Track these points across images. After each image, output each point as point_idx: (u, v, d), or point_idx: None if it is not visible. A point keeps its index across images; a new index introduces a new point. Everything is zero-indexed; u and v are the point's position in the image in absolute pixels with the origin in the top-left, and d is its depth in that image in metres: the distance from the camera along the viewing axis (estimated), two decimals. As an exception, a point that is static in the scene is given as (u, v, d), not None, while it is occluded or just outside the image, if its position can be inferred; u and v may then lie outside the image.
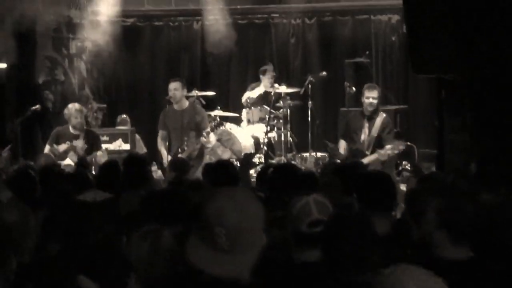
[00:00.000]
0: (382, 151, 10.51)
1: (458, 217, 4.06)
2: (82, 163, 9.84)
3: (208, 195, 3.26)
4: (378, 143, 10.85)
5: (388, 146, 10.57)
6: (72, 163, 10.38)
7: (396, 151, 10.55)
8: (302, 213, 4.16)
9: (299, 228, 4.15)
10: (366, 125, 10.94)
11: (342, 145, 11.25)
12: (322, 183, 6.55)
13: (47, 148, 10.79)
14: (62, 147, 10.60)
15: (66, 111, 10.84)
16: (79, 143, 10.59)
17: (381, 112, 11.13)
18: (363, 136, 10.96)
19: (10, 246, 3.39)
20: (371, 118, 10.94)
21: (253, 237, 3.09)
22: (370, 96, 10.98)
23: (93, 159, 10.39)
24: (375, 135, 10.85)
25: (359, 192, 5.25)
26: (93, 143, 10.74)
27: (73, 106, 10.80)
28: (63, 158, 10.53)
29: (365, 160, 10.45)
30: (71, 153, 10.53)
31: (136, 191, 6.85)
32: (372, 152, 10.75)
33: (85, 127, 10.89)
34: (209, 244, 3.05)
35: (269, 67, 13.79)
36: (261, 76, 13.74)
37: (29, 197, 5.96)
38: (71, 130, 10.70)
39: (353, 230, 3.85)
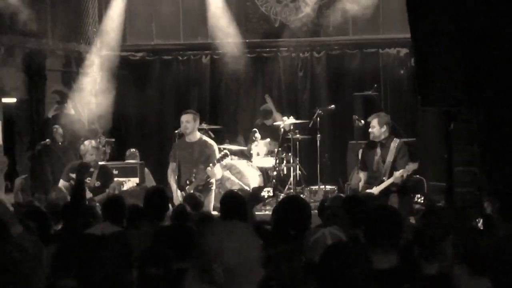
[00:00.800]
0: (397, 174, 10.48)
1: (476, 250, 4.06)
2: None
3: (208, 229, 3.25)
4: (394, 169, 10.80)
5: (400, 172, 10.55)
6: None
7: (409, 172, 10.53)
8: (317, 245, 4.16)
9: (313, 260, 4.14)
10: (379, 152, 10.90)
11: (362, 177, 11.18)
12: (327, 216, 6.55)
13: (61, 183, 10.78)
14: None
15: (82, 147, 10.82)
16: (91, 182, 10.59)
17: (395, 138, 11.09)
18: (377, 164, 10.91)
19: (21, 279, 3.39)
20: (383, 145, 10.90)
21: (250, 274, 3.08)
22: (370, 125, 11.01)
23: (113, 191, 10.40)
24: (391, 160, 10.80)
25: (366, 225, 5.23)
26: (106, 179, 10.73)
27: (89, 143, 10.78)
28: None
29: (382, 186, 10.46)
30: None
31: (156, 223, 6.87)
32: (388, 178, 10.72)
33: (99, 163, 10.89)
34: (207, 279, 3.04)
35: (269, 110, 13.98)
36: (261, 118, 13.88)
37: (40, 231, 5.96)
38: (86, 166, 10.72)
39: (348, 262, 3.82)
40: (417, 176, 13.02)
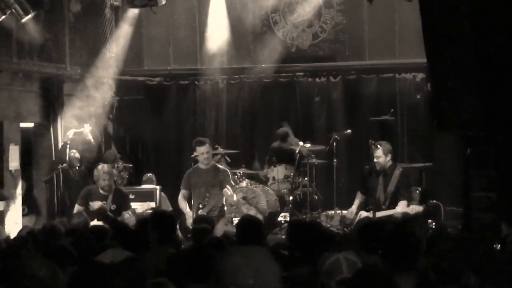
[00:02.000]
0: (398, 210, 10.52)
1: (498, 277, 4.04)
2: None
3: (224, 253, 3.26)
4: (394, 198, 10.82)
5: (402, 202, 10.59)
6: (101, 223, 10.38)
7: (411, 213, 10.54)
8: (332, 270, 4.16)
9: (328, 285, 4.13)
10: (382, 180, 10.93)
11: (358, 200, 11.23)
12: (339, 241, 6.54)
13: (76, 208, 10.81)
14: (97, 203, 10.59)
15: (95, 172, 10.88)
16: (107, 206, 10.61)
17: (398, 166, 11.11)
18: (379, 192, 10.94)
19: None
20: (386, 173, 10.93)
21: None
22: (375, 156, 11.02)
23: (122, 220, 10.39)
24: (392, 189, 10.84)
25: (384, 249, 5.22)
26: (121, 203, 10.75)
27: (102, 168, 10.82)
28: (92, 219, 10.57)
29: (381, 213, 10.50)
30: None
31: (164, 248, 6.85)
32: (389, 207, 10.73)
33: (113, 187, 10.90)
34: None
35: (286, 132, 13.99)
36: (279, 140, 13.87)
37: (57, 256, 5.95)
38: (100, 190, 10.75)
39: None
40: (434, 201, 12.97)
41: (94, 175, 10.88)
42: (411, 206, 10.62)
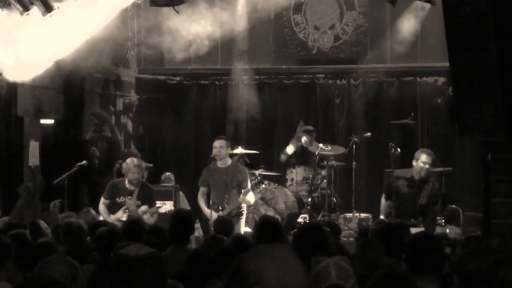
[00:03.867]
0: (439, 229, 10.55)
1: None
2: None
3: (249, 252, 3.25)
4: (424, 211, 10.78)
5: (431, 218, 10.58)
6: (124, 218, 10.36)
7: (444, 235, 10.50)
8: (321, 276, 4.13)
9: None
10: (415, 190, 10.86)
11: (386, 206, 11.17)
12: (361, 244, 6.52)
13: (102, 201, 10.77)
14: (118, 215, 10.57)
15: (124, 165, 10.82)
16: (131, 205, 10.57)
17: (432, 178, 11.05)
18: (409, 201, 10.88)
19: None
20: (421, 184, 10.86)
21: None
22: (427, 162, 10.92)
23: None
24: (424, 203, 10.78)
25: (407, 253, 5.21)
26: (147, 199, 10.71)
27: (131, 161, 10.76)
28: (114, 212, 10.55)
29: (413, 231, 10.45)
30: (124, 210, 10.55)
31: (181, 247, 6.86)
32: (421, 220, 10.68)
33: (141, 182, 10.85)
34: None
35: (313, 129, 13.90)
36: (305, 135, 13.78)
37: (77, 252, 5.98)
38: (127, 184, 10.70)
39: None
40: (453, 206, 12.92)
41: (123, 168, 10.81)
42: (450, 229, 10.56)
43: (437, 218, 10.81)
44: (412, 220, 10.71)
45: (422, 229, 10.31)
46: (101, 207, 10.71)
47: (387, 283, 3.91)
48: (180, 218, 7.42)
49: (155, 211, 10.72)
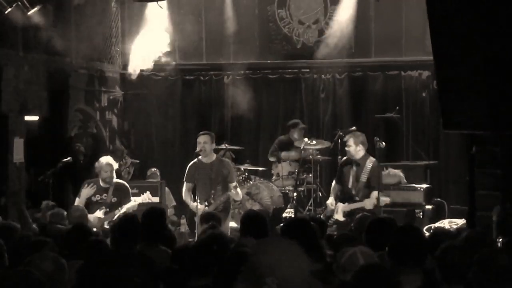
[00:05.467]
0: (367, 202, 10.82)
1: (501, 275, 4.04)
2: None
3: (258, 244, 3.27)
4: (366, 189, 10.96)
5: (373, 193, 10.77)
6: (102, 216, 10.43)
7: (381, 204, 10.78)
8: (350, 264, 4.15)
9: (346, 278, 4.13)
10: (354, 170, 11.09)
11: (335, 188, 11.40)
12: (343, 238, 6.56)
13: (76, 201, 10.82)
14: (97, 214, 10.57)
15: (97, 164, 10.89)
16: (107, 198, 10.61)
17: (370, 157, 11.23)
18: (351, 181, 11.10)
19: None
20: (358, 164, 11.08)
21: None
22: (347, 144, 11.27)
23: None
24: (364, 180, 10.97)
25: (390, 246, 5.24)
26: (122, 196, 10.76)
27: (104, 160, 10.85)
28: (93, 211, 10.57)
29: (354, 206, 10.82)
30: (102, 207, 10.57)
31: (153, 244, 6.81)
32: (362, 198, 10.89)
33: (114, 180, 10.89)
34: None
35: (300, 123, 13.89)
36: (291, 130, 13.79)
37: (63, 248, 5.96)
38: (101, 183, 10.76)
39: (380, 285, 3.82)
40: (438, 199, 12.98)
41: (96, 167, 10.89)
42: (382, 198, 10.80)
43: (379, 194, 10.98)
44: (357, 198, 10.89)
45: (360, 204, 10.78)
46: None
47: (370, 276, 3.92)
48: (151, 215, 7.36)
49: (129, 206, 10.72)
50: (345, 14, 15.05)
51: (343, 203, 11.03)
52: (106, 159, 10.88)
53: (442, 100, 9.06)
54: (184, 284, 5.03)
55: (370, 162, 11.13)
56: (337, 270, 4.20)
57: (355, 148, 11.12)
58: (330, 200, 11.37)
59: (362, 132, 14.31)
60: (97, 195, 10.67)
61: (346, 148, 11.27)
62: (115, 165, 11.12)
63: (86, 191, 10.71)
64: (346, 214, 10.91)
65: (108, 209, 10.50)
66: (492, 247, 6.02)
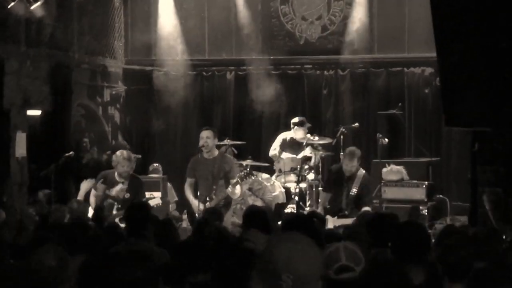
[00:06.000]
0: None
1: (502, 271, 4.04)
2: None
3: (272, 240, 3.27)
4: (356, 203, 10.93)
5: (365, 209, 10.67)
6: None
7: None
8: (331, 259, 4.14)
9: (328, 274, 4.12)
10: (345, 184, 11.09)
11: (323, 198, 11.38)
12: (348, 234, 6.55)
13: (92, 191, 10.68)
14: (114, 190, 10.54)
15: (114, 157, 10.70)
16: (121, 194, 10.52)
17: (361, 169, 11.22)
18: (342, 195, 11.07)
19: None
20: (350, 177, 11.09)
21: (315, 283, 3.12)
22: (349, 165, 11.16)
23: None
24: (353, 194, 10.95)
25: (394, 242, 5.23)
26: (137, 191, 10.64)
27: (121, 154, 10.64)
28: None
29: (341, 221, 10.54)
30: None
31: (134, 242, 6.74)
32: (351, 212, 10.84)
33: (130, 174, 10.78)
34: None
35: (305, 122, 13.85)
36: (295, 127, 13.72)
37: (67, 242, 5.96)
38: (116, 177, 10.64)
39: (390, 280, 3.82)
40: (440, 196, 12.97)
41: (113, 161, 10.70)
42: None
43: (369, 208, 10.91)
44: (346, 212, 10.84)
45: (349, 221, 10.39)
46: (93, 199, 10.66)
47: (379, 272, 3.92)
48: (135, 210, 7.25)
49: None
50: (348, 10, 15.04)
51: (332, 215, 10.93)
52: (124, 153, 10.68)
53: (444, 96, 9.06)
54: (183, 280, 5.02)
55: (361, 175, 11.12)
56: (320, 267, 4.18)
57: (358, 166, 11.15)
58: (320, 207, 11.35)
59: (365, 129, 14.41)
60: (111, 188, 10.57)
61: (349, 168, 11.20)
62: (133, 160, 10.99)
63: (85, 186, 10.66)
64: (335, 228, 10.76)
65: (120, 205, 10.38)
66: (501, 244, 6.03)
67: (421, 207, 12.20)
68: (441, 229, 8.01)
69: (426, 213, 12.17)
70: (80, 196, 10.60)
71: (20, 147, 12.43)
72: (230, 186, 10.66)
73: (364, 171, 11.25)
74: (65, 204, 11.15)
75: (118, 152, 10.77)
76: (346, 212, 10.89)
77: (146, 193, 11.37)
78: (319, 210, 11.32)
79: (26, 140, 12.51)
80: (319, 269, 3.16)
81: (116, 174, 10.60)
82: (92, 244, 5.97)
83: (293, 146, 13.65)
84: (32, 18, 12.25)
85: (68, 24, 13.73)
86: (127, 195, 10.48)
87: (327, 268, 4.11)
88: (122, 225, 9.51)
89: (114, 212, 10.28)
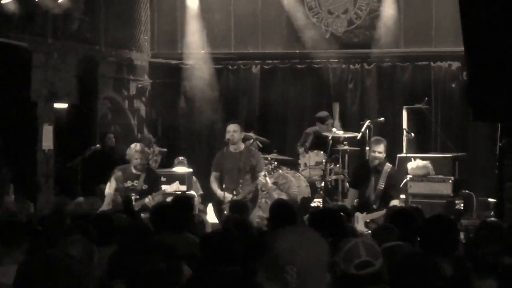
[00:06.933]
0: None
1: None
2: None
3: (277, 232, 3.28)
4: (385, 197, 10.81)
5: (394, 202, 10.55)
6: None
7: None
8: (350, 255, 4.14)
9: (347, 270, 4.12)
10: (373, 178, 10.91)
11: (352, 195, 11.24)
12: (374, 230, 6.54)
13: (107, 187, 10.81)
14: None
15: (128, 151, 10.84)
16: (138, 185, 10.60)
17: (387, 164, 11.06)
18: (370, 190, 10.93)
19: (73, 281, 3.41)
20: (377, 170, 10.88)
21: (320, 276, 3.12)
22: (376, 151, 10.93)
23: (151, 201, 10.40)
24: (381, 188, 10.81)
25: (422, 236, 5.21)
26: (153, 184, 10.74)
27: (134, 147, 10.78)
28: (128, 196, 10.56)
29: (371, 216, 10.47)
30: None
31: (180, 233, 6.81)
32: (379, 206, 10.69)
33: (146, 167, 10.89)
34: (278, 281, 3.07)
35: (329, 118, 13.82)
36: (318, 123, 13.73)
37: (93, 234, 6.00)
38: (133, 169, 10.73)
39: (421, 273, 3.81)
40: (466, 191, 12.89)
41: (127, 154, 10.84)
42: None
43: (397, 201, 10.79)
44: (374, 206, 10.74)
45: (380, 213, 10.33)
46: (108, 191, 10.72)
47: (411, 265, 3.91)
48: (179, 203, 7.36)
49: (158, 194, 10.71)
50: (374, 4, 14.98)
51: (361, 212, 10.82)
52: (137, 146, 10.83)
53: (471, 91, 8.99)
54: (212, 271, 5.03)
55: (388, 168, 10.97)
56: (339, 261, 4.17)
57: (383, 155, 10.99)
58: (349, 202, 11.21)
59: (390, 123, 14.34)
60: (128, 181, 10.66)
61: (377, 155, 10.92)
62: (147, 152, 11.11)
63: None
64: (366, 224, 10.68)
65: (138, 196, 10.48)
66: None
67: (456, 201, 12.12)
68: (470, 224, 8.00)
69: (462, 207, 12.08)
70: (112, 188, 10.65)
71: (47, 140, 12.52)
72: (261, 177, 10.66)
73: (391, 165, 11.14)
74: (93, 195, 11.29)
75: (132, 145, 10.89)
76: (374, 206, 10.79)
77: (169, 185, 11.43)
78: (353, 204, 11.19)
79: (52, 132, 12.59)
80: (325, 261, 3.15)
81: (132, 167, 10.70)
82: (123, 235, 6.01)
83: (318, 140, 13.64)
84: (59, 11, 12.31)
85: (95, 17, 13.80)
86: (145, 187, 10.59)
87: (347, 264, 4.11)
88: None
89: (133, 203, 10.36)
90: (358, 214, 10.66)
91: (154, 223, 6.92)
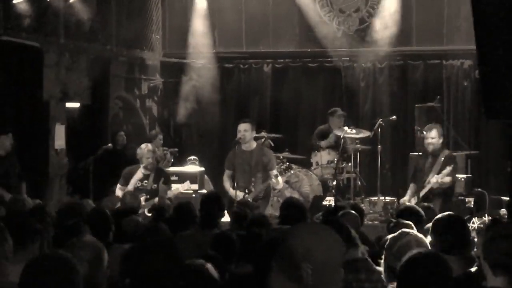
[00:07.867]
0: (433, 179, 10.62)
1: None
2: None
3: (292, 229, 3.27)
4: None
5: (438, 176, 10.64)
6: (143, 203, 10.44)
7: (442, 179, 10.53)
8: (403, 250, 4.14)
9: (394, 266, 4.12)
10: (430, 162, 10.90)
11: (411, 189, 11.16)
12: (390, 227, 6.52)
13: (117, 187, 10.86)
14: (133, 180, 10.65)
15: (138, 151, 10.88)
16: (148, 185, 10.64)
17: (445, 150, 11.07)
18: (427, 174, 10.90)
19: (77, 282, 3.42)
20: (435, 156, 10.90)
21: (335, 273, 3.11)
22: (429, 136, 10.94)
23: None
24: (436, 172, 10.79)
25: (434, 234, 5.20)
26: (164, 182, 10.79)
27: (145, 147, 10.83)
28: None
29: (423, 191, 10.60)
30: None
31: (207, 230, 6.85)
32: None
33: (155, 166, 10.94)
34: (294, 279, 3.06)
35: (339, 110, 13.80)
36: (329, 118, 13.72)
37: (103, 235, 6.02)
38: (142, 169, 10.77)
39: (430, 271, 3.80)
40: (479, 189, 12.85)
41: (138, 154, 10.88)
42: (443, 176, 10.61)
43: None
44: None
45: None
46: (119, 193, 10.74)
47: (422, 263, 3.90)
48: (209, 201, 7.43)
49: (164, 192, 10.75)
50: (386, 3, 14.93)
51: None
52: (147, 146, 10.88)
53: (484, 89, 8.93)
54: (225, 269, 5.05)
55: (444, 154, 10.96)
56: (389, 258, 4.17)
57: (439, 140, 10.94)
58: (405, 199, 11.12)
59: (402, 122, 14.30)
60: (138, 181, 10.70)
61: (430, 141, 10.93)
62: (158, 152, 11.14)
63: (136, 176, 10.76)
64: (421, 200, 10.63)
65: (148, 196, 10.52)
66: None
67: (467, 200, 12.09)
68: (484, 223, 7.96)
69: (472, 205, 12.05)
70: (132, 184, 10.68)
71: (59, 139, 12.55)
72: (273, 177, 10.67)
73: (447, 151, 11.15)
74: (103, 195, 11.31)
75: (142, 145, 10.95)
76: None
77: (180, 184, 11.44)
78: (411, 202, 11.01)
79: (64, 132, 12.62)
80: (340, 257, 3.14)
81: (141, 168, 10.73)
82: (143, 234, 6.04)
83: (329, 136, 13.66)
84: (71, 10, 12.35)
85: (107, 17, 13.82)
86: (154, 186, 10.62)
87: (398, 258, 4.10)
88: (149, 215, 9.69)
89: (143, 203, 10.37)
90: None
91: (181, 219, 6.99)
